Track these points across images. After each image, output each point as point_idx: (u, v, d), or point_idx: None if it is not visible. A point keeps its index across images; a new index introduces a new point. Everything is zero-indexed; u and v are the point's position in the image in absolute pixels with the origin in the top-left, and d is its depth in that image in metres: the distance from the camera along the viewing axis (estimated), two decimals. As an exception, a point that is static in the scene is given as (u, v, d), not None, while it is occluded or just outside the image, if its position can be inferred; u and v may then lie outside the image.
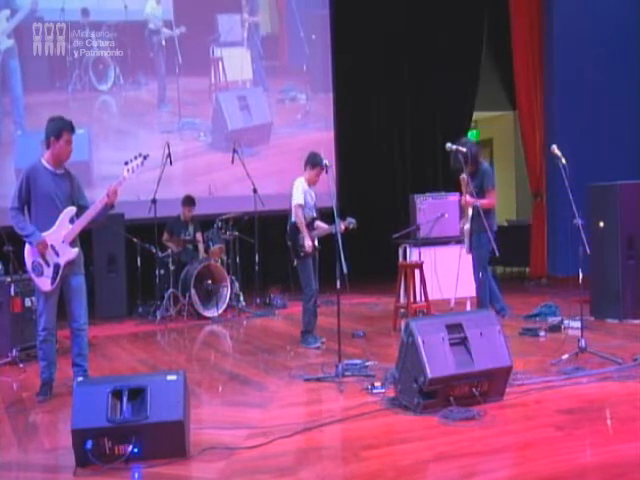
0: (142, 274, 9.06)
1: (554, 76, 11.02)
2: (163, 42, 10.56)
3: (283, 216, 7.16)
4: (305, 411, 4.93)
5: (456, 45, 11.74)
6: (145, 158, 5.35)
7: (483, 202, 7.04)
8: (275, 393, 5.31)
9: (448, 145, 6.79)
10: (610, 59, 10.88)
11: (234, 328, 8.29)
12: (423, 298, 7.63)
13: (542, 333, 6.87)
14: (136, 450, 3.88)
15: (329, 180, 6.32)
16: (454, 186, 10.88)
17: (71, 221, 5.28)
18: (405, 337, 4.71)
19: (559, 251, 10.76)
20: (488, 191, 7.17)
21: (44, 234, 5.20)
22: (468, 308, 8.25)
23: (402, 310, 7.61)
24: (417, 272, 7.67)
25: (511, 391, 4.89)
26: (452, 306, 8.23)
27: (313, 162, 6.82)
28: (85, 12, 10.07)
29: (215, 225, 9.14)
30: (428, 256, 8.39)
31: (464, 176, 7.06)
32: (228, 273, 8.93)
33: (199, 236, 9.28)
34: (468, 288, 7.98)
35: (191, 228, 9.33)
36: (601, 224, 7.61)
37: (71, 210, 5.29)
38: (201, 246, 9.22)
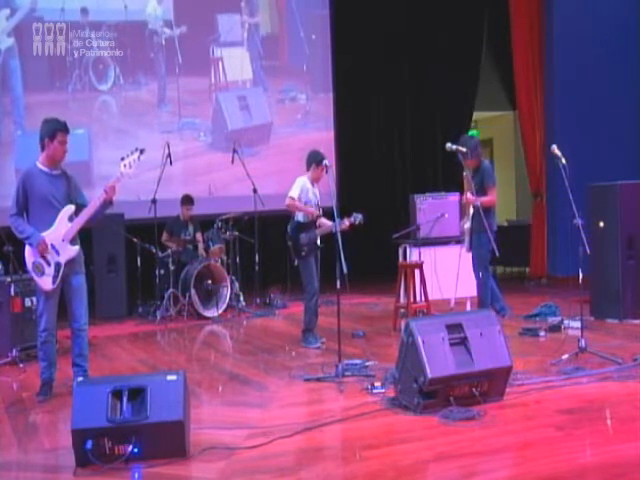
0: (142, 274, 9.06)
1: (554, 76, 11.02)
2: (163, 42, 10.56)
3: (283, 216, 7.16)
4: (305, 411, 4.93)
5: (456, 45, 11.74)
6: (142, 152, 5.34)
7: (484, 199, 7.05)
8: (275, 393, 5.31)
9: (448, 145, 6.79)
10: (610, 59, 10.88)
11: (234, 328, 8.29)
12: (423, 298, 7.63)
13: (542, 333, 6.87)
14: (136, 450, 3.88)
15: (329, 180, 6.33)
16: (454, 186, 10.95)
17: (70, 219, 5.28)
18: (405, 337, 4.71)
19: (559, 251, 10.77)
20: (489, 188, 7.17)
21: (44, 234, 5.21)
22: (468, 308, 8.25)
23: (402, 310, 7.61)
24: (417, 272, 7.67)
25: (511, 391, 4.89)
26: (452, 306, 8.24)
27: (315, 159, 6.82)
28: (84, 11, 10.07)
29: (215, 225, 9.14)
30: (428, 256, 8.39)
31: (466, 173, 7.09)
32: (228, 273, 8.93)
33: (199, 236, 9.28)
34: (468, 288, 7.99)
35: (191, 228, 9.33)
36: (601, 224, 7.61)
37: (70, 208, 5.29)
38: (201, 246, 9.22)
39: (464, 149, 6.86)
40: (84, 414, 3.90)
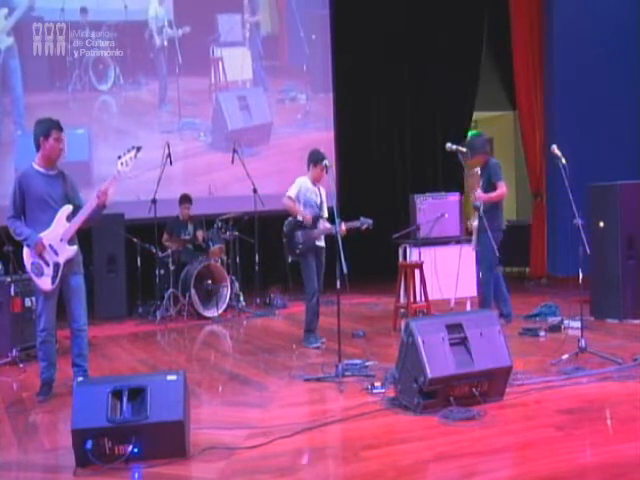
0: (142, 274, 9.06)
1: (554, 76, 11.02)
2: (163, 42, 10.56)
3: (283, 216, 7.15)
4: (305, 411, 4.92)
5: (456, 45, 11.74)
6: (138, 150, 5.32)
7: (493, 195, 7.05)
8: (275, 393, 5.31)
9: (448, 145, 6.79)
10: (610, 59, 10.89)
11: (234, 328, 8.29)
12: (423, 298, 7.63)
13: (542, 333, 6.87)
14: (136, 450, 3.88)
15: (329, 180, 6.33)
16: (454, 186, 10.95)
17: (68, 219, 5.27)
18: (405, 337, 4.71)
19: (559, 251, 10.77)
20: (497, 184, 7.15)
21: (41, 234, 5.20)
22: (468, 308, 8.25)
23: (402, 310, 7.61)
24: (417, 272, 7.67)
25: (511, 391, 4.89)
26: (452, 306, 8.23)
27: (315, 159, 6.81)
28: (84, 11, 10.07)
29: (215, 225, 9.14)
30: (428, 256, 8.38)
31: (477, 170, 7.10)
32: (228, 273, 8.93)
33: (199, 234, 9.26)
34: (468, 288, 7.99)
35: (190, 227, 9.32)
36: (601, 224, 7.61)
37: (67, 208, 5.28)
38: (200, 234, 9.20)
39: (464, 149, 6.86)
40: (84, 414, 3.90)
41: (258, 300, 9.48)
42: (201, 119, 10.72)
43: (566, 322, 7.06)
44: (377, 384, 5.14)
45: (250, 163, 9.69)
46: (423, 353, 4.52)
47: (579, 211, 6.01)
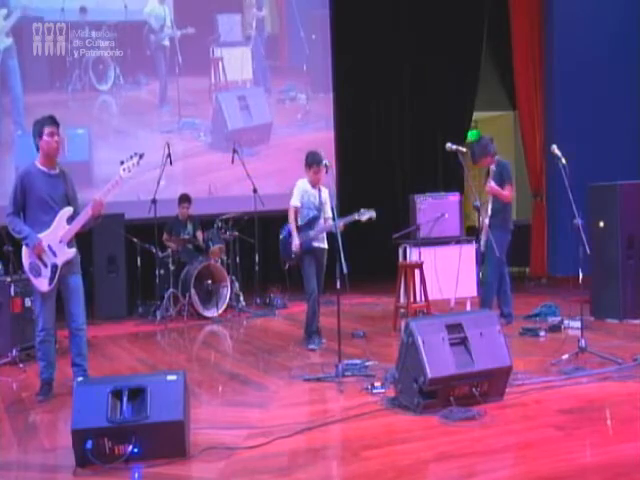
0: (142, 274, 9.07)
1: (554, 76, 11.03)
2: (163, 42, 10.56)
3: (283, 216, 7.16)
4: (305, 411, 4.92)
5: (456, 45, 11.74)
6: (141, 157, 5.33)
7: (503, 192, 7.08)
8: (275, 393, 5.31)
9: (448, 145, 6.79)
10: (610, 59, 10.89)
11: (234, 328, 8.29)
12: (423, 298, 7.63)
13: (542, 333, 6.87)
14: (136, 450, 3.88)
15: (329, 180, 6.32)
16: (454, 186, 10.95)
17: (68, 221, 5.27)
18: (405, 337, 4.71)
19: (559, 251, 10.77)
20: (507, 186, 7.16)
21: (41, 235, 5.20)
22: (468, 308, 8.25)
23: (402, 310, 7.61)
24: (417, 272, 7.67)
25: (511, 391, 4.89)
26: (452, 306, 8.23)
27: (309, 162, 6.79)
28: (83, 11, 10.07)
29: (215, 225, 9.14)
30: (428, 256, 8.37)
31: (494, 167, 7.11)
32: (228, 273, 8.93)
33: (199, 234, 9.27)
34: (468, 288, 7.98)
35: (190, 227, 9.33)
36: (601, 224, 7.61)
37: (68, 210, 5.28)
38: (200, 236, 9.21)
39: (464, 149, 6.85)
40: (84, 414, 3.90)
41: (258, 300, 9.48)
42: (201, 119, 10.72)
43: (566, 322, 7.06)
44: (377, 384, 5.14)
45: (250, 163, 9.69)
46: (423, 353, 4.52)
47: (579, 211, 6.00)
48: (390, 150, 12.17)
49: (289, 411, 4.87)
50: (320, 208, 6.86)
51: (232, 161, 9.22)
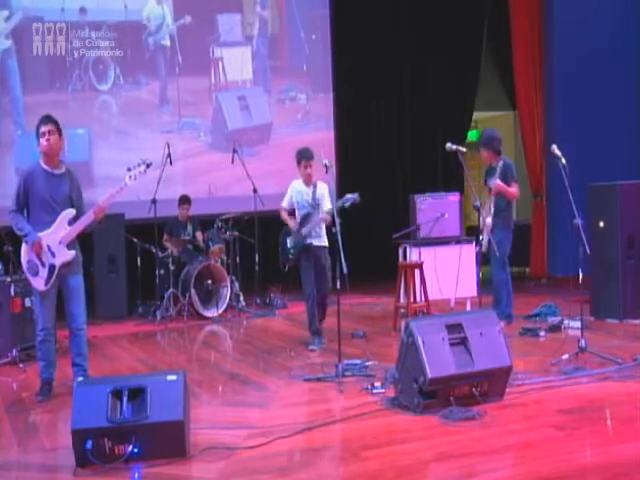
0: (142, 274, 9.07)
1: (554, 76, 11.02)
2: (162, 42, 10.55)
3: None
4: (305, 411, 4.93)
5: (456, 45, 11.74)
6: (148, 166, 5.35)
7: (509, 190, 7.09)
8: (275, 393, 5.31)
9: (448, 145, 6.78)
10: (610, 59, 10.89)
11: (234, 328, 8.29)
12: (423, 298, 7.63)
13: (542, 333, 6.87)
14: (136, 450, 3.88)
15: (329, 180, 6.32)
16: (454, 186, 10.95)
17: (70, 223, 5.27)
18: (405, 337, 4.71)
19: (559, 251, 10.77)
20: (512, 183, 7.16)
21: (41, 234, 5.20)
22: (468, 308, 8.25)
23: (402, 310, 7.61)
24: (417, 272, 7.67)
25: (511, 391, 4.89)
26: (452, 306, 8.23)
27: (297, 158, 6.74)
28: (83, 10, 10.07)
29: (215, 225, 9.14)
30: (428, 256, 8.38)
31: (500, 164, 7.13)
32: (228, 273, 8.93)
33: (199, 235, 9.27)
34: (468, 288, 7.98)
35: (190, 228, 9.33)
36: (601, 224, 7.61)
37: (70, 212, 5.28)
38: (200, 238, 9.21)
39: (464, 149, 6.85)
40: (84, 414, 3.90)
41: (258, 300, 9.48)
42: (201, 119, 10.72)
43: (566, 322, 7.05)
44: (377, 384, 5.14)
45: (250, 163, 9.69)
46: (423, 353, 4.52)
47: (579, 211, 6.00)
48: (390, 150, 12.17)
49: (289, 411, 4.87)
50: (314, 205, 6.74)
51: (232, 161, 9.22)
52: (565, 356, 5.71)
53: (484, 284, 7.65)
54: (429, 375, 4.47)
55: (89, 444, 3.83)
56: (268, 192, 9.39)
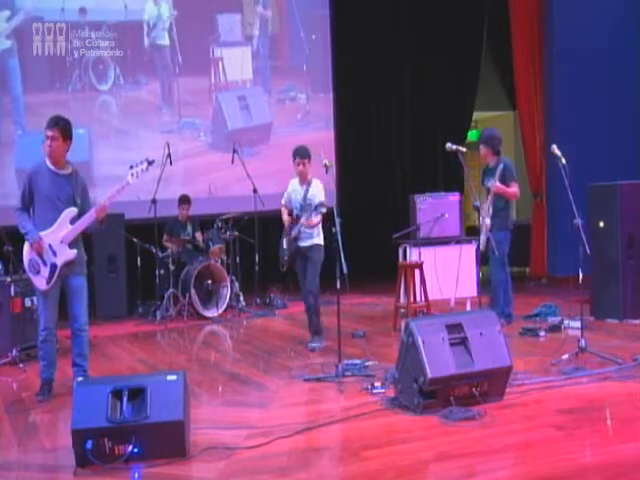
0: (142, 274, 9.07)
1: (554, 76, 11.02)
2: (161, 42, 10.54)
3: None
4: (305, 411, 4.93)
5: (456, 45, 11.74)
6: (150, 164, 5.37)
7: (509, 190, 7.09)
8: (275, 393, 5.31)
9: (448, 145, 6.78)
10: (610, 59, 10.89)
11: (234, 328, 8.29)
12: (423, 298, 7.63)
13: (542, 333, 6.87)
14: (136, 450, 3.88)
15: (329, 180, 6.31)
16: (454, 186, 10.95)
17: (72, 222, 5.28)
18: (405, 337, 4.71)
19: (559, 251, 10.76)
20: (512, 183, 7.16)
21: (43, 233, 5.21)
22: (468, 308, 8.25)
23: (402, 310, 7.61)
24: (417, 272, 7.67)
25: (511, 391, 4.89)
26: (452, 306, 8.23)
27: (292, 155, 6.72)
28: (83, 11, 10.07)
29: (215, 225, 9.14)
30: (428, 256, 8.38)
31: (500, 166, 7.13)
32: (228, 273, 8.93)
33: (199, 235, 9.27)
34: (468, 288, 7.98)
35: (190, 228, 9.33)
36: (601, 224, 7.61)
37: (72, 211, 5.28)
38: (200, 238, 9.21)
39: (464, 149, 6.85)
40: (84, 414, 3.90)
41: (258, 300, 9.48)
42: (201, 119, 10.72)
43: (566, 322, 7.06)
44: (377, 384, 5.14)
45: (250, 163, 9.69)
46: (423, 353, 4.52)
47: (579, 211, 6.00)
48: (390, 150, 12.17)
49: (289, 411, 4.87)
50: (304, 205, 6.66)
51: (232, 161, 9.22)
52: (565, 356, 5.71)
53: (484, 284, 7.67)
54: (429, 375, 4.47)
55: (89, 444, 3.83)
56: (268, 192, 9.39)
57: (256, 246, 9.34)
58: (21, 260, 5.42)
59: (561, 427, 4.26)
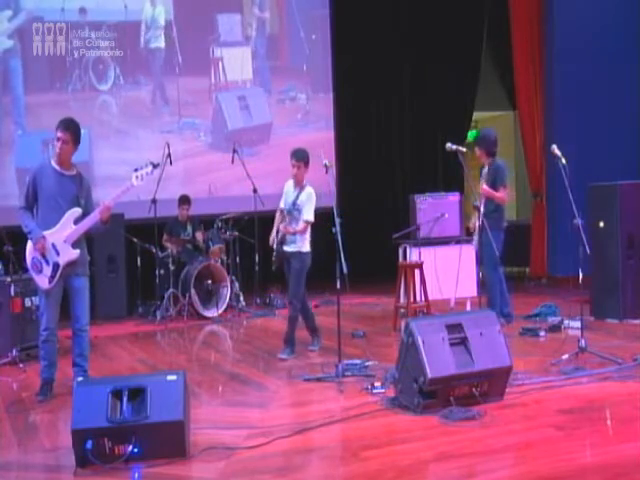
0: (142, 274, 9.06)
1: (554, 76, 11.02)
2: (157, 43, 10.53)
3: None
4: (305, 411, 4.92)
5: (456, 45, 11.74)
6: (155, 167, 5.38)
7: (495, 194, 7.06)
8: (275, 393, 5.31)
9: (448, 145, 6.78)
10: (610, 59, 10.88)
11: (234, 328, 8.30)
12: (423, 298, 7.63)
13: (542, 333, 6.87)
14: (136, 450, 3.88)
15: (329, 180, 6.30)
16: (454, 186, 10.95)
17: (76, 222, 5.29)
18: (405, 337, 4.71)
19: (559, 251, 10.76)
20: (500, 188, 7.14)
21: (46, 232, 5.21)
22: (468, 308, 8.25)
23: (402, 310, 7.61)
24: (417, 272, 7.67)
25: (511, 391, 4.89)
26: (452, 306, 8.23)
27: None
28: (82, 11, 10.07)
29: (215, 225, 9.14)
30: (428, 256, 8.38)
31: (485, 170, 7.12)
32: (228, 273, 8.93)
33: (199, 235, 9.27)
34: (468, 288, 7.98)
35: (190, 228, 9.33)
36: (601, 224, 7.61)
37: (76, 211, 5.29)
38: (201, 238, 9.21)
39: (464, 149, 6.85)
40: (84, 414, 3.90)
41: (258, 300, 9.48)
42: (201, 119, 10.72)
43: (566, 322, 7.06)
44: (377, 384, 5.14)
45: (250, 163, 9.69)
46: (423, 353, 4.52)
47: (579, 211, 6.00)
48: (390, 150, 12.17)
49: (289, 411, 4.87)
50: (292, 209, 6.50)
51: (232, 161, 9.22)
52: (565, 356, 5.71)
53: (484, 284, 7.66)
54: (429, 375, 4.47)
55: (89, 444, 3.83)
56: (268, 192, 9.38)
57: (256, 246, 9.34)
58: (22, 260, 5.43)
59: (561, 427, 4.26)
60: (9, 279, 6.59)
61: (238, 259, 9.36)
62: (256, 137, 10.94)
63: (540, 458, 3.81)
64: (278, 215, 6.69)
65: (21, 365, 6.33)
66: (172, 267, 8.60)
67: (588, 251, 5.94)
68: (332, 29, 11.42)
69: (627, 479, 3.56)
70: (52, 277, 5.25)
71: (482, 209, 7.07)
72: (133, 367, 6.34)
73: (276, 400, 5.13)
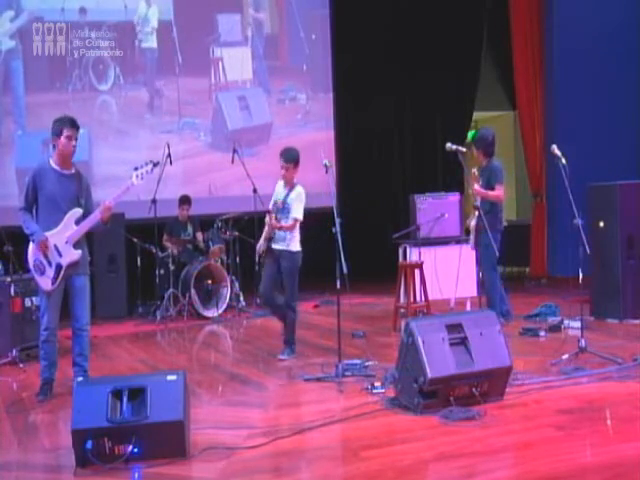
0: (142, 274, 9.06)
1: (554, 76, 11.02)
2: (150, 44, 10.52)
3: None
4: (305, 411, 4.93)
5: (456, 45, 11.74)
6: (155, 165, 5.38)
7: (490, 194, 7.02)
8: (275, 393, 5.31)
9: (448, 145, 6.78)
10: (610, 59, 10.89)
11: (234, 328, 8.30)
12: (423, 298, 7.62)
13: (542, 333, 6.86)
14: (136, 450, 3.88)
15: (329, 180, 6.29)
16: (454, 186, 10.95)
17: (77, 223, 5.28)
18: (405, 337, 4.71)
19: (559, 251, 10.77)
20: (495, 186, 7.11)
21: (48, 233, 5.21)
22: (468, 308, 8.25)
23: (402, 310, 7.61)
24: (417, 272, 7.67)
25: (511, 391, 4.89)
26: (452, 306, 8.23)
27: None
28: (82, 11, 10.07)
29: (215, 225, 9.14)
30: (428, 256, 8.39)
31: (475, 171, 7.11)
32: (228, 273, 8.93)
33: (199, 235, 9.28)
34: (468, 288, 7.97)
35: (190, 228, 9.33)
36: (601, 224, 7.61)
37: (77, 212, 5.29)
38: (201, 238, 9.20)
39: (464, 149, 6.85)
40: (84, 414, 3.90)
41: (258, 300, 9.45)
42: (201, 119, 10.72)
43: (566, 322, 7.05)
44: (377, 384, 5.14)
45: (250, 163, 9.67)
46: (423, 353, 4.52)
47: (579, 211, 6.00)
48: (390, 150, 12.17)
49: (289, 411, 4.87)
50: (279, 209, 6.42)
51: (232, 161, 9.20)
52: (565, 356, 5.71)
53: (484, 284, 7.66)
54: (429, 375, 4.47)
55: (89, 444, 3.83)
56: (268, 192, 9.28)
57: (256, 246, 9.33)
58: (22, 260, 5.42)
59: (561, 427, 4.26)
60: (9, 279, 6.58)
61: (238, 259, 9.35)
62: (256, 137, 10.94)
63: (540, 458, 3.81)
64: (268, 218, 6.52)
65: (21, 365, 6.32)
66: (172, 267, 8.60)
67: (588, 251, 5.94)
68: (332, 29, 11.42)
69: (627, 479, 3.56)
70: (55, 278, 5.25)
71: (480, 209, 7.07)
72: (133, 367, 6.34)
73: (276, 400, 5.13)
